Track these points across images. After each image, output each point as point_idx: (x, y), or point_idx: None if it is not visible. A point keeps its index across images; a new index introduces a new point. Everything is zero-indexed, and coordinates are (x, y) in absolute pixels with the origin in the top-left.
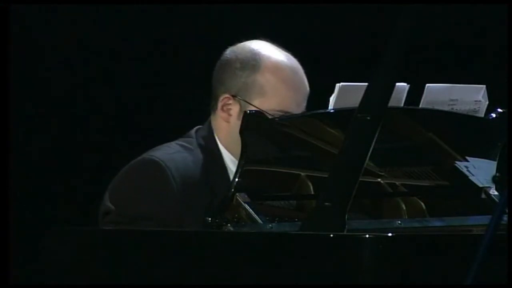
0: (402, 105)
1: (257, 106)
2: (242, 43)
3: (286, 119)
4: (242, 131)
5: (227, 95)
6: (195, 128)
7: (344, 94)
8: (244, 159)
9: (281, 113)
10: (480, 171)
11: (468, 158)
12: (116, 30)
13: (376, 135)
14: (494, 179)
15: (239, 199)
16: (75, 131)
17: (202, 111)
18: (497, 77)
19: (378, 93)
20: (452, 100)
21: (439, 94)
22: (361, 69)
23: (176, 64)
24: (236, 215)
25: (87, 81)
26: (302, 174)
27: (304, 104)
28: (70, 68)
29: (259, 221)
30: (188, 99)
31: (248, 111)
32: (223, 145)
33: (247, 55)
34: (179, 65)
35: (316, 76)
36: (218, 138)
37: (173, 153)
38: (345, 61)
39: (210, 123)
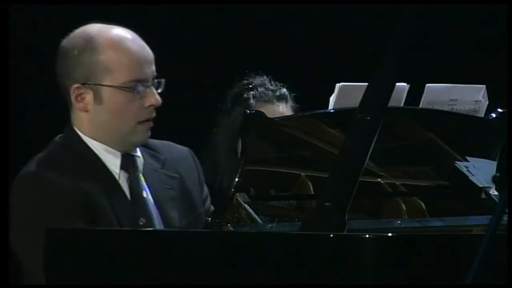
0: (402, 105)
1: (108, 84)
2: (74, 31)
3: (286, 119)
4: (242, 131)
5: (76, 85)
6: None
7: (344, 94)
8: (244, 159)
9: (133, 84)
10: (480, 171)
11: (468, 158)
12: None
13: (376, 135)
14: (494, 179)
15: (239, 199)
16: None
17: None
18: (497, 77)
19: (378, 93)
20: (452, 100)
21: (439, 94)
22: (361, 69)
23: (177, 66)
24: (236, 215)
25: None
26: (302, 174)
27: (153, 67)
28: None
29: (259, 221)
30: (191, 102)
31: (248, 111)
32: (89, 136)
33: (82, 39)
34: (180, 67)
35: (316, 76)
36: (80, 131)
37: (41, 161)
38: (345, 61)
39: (70, 123)
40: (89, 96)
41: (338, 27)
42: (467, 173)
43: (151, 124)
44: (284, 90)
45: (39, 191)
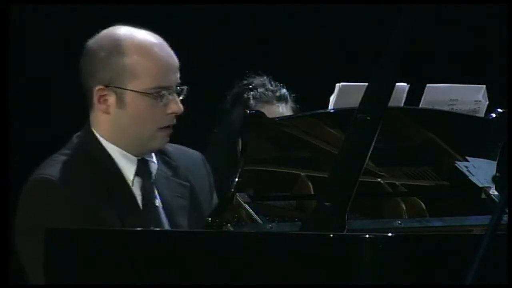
0: (402, 105)
1: (132, 89)
2: (102, 32)
3: (286, 119)
4: (242, 131)
5: (100, 87)
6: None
7: (344, 94)
8: (244, 159)
9: (157, 90)
10: (480, 171)
11: (468, 158)
12: None
13: (376, 135)
14: (494, 179)
15: (239, 199)
16: (75, 131)
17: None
18: (497, 77)
19: (378, 93)
20: (452, 100)
21: (439, 94)
22: (361, 69)
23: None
24: (236, 215)
25: None
26: (302, 174)
27: (177, 75)
28: (70, 68)
29: (259, 221)
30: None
31: (248, 112)
32: (107, 139)
33: (109, 41)
34: (180, 67)
35: (316, 76)
36: (99, 133)
37: (57, 164)
38: (345, 61)
39: (88, 123)
40: (111, 99)
41: (338, 27)
42: (467, 173)
43: (171, 131)
44: (284, 91)
45: (49, 200)
